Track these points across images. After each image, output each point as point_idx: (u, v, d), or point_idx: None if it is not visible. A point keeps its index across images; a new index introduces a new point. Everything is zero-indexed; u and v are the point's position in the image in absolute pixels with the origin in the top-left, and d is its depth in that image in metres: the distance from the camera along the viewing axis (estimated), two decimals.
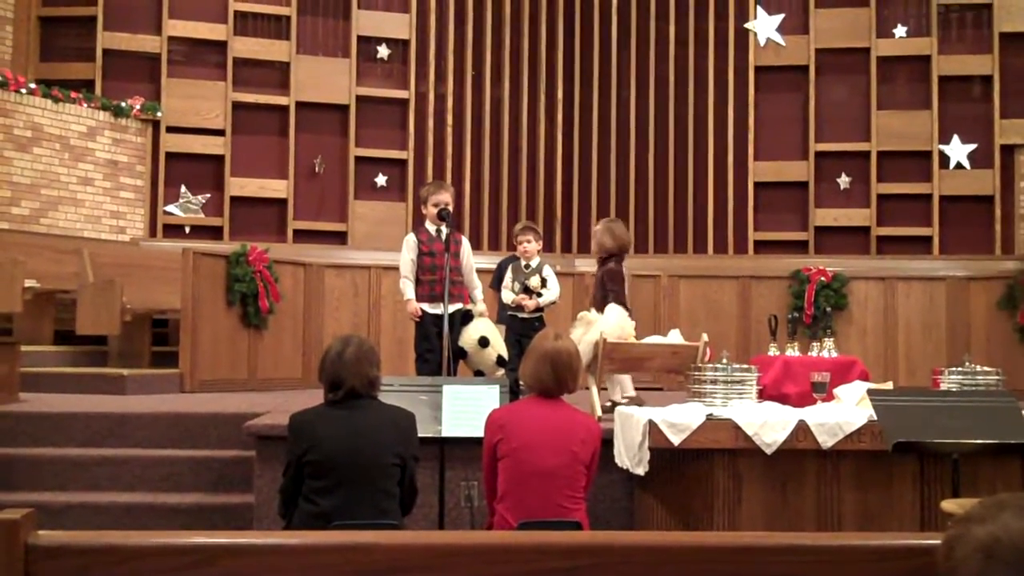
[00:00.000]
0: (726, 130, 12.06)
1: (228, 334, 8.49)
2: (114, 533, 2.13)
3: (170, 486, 5.86)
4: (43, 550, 2.02)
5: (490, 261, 8.86)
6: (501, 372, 6.33)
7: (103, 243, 10.27)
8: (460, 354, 6.38)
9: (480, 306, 6.64)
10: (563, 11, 12.31)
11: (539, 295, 6.84)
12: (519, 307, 6.83)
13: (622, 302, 6.50)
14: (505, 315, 6.99)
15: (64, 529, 2.13)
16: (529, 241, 6.99)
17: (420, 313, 6.49)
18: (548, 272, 6.96)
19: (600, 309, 6.29)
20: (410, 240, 6.64)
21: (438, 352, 6.18)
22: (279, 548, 2.12)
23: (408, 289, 6.54)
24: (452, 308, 6.21)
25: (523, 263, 7.00)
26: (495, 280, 7.69)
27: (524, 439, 3.83)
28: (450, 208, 6.54)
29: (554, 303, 6.99)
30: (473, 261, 6.82)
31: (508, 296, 6.93)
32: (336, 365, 3.86)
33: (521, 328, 6.74)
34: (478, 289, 6.75)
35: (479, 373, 6.42)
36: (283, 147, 11.63)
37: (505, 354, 6.43)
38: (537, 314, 6.87)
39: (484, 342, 6.36)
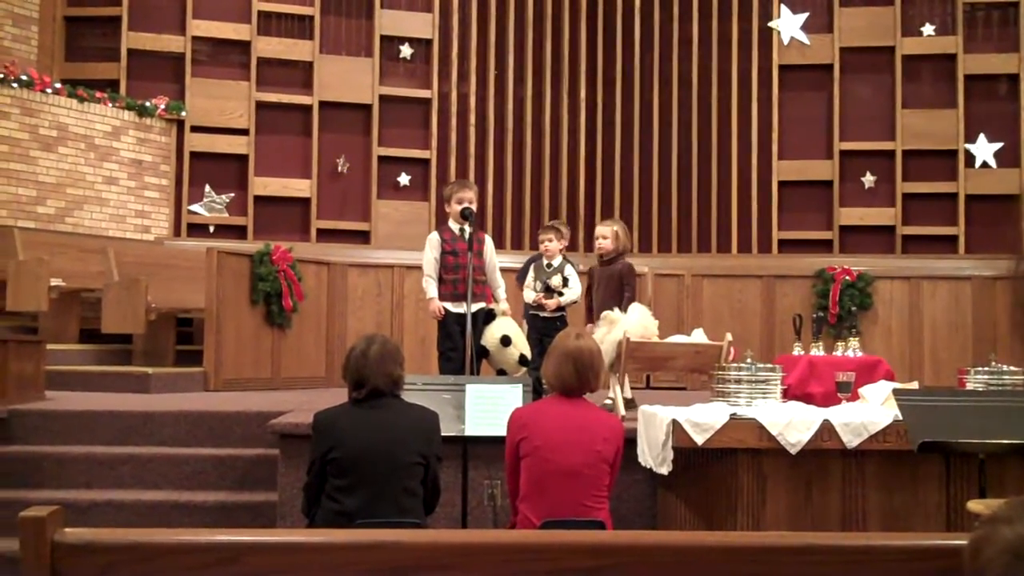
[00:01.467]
0: (750, 129, 12.01)
1: (252, 333, 8.53)
2: (139, 531, 2.14)
3: (195, 484, 5.89)
4: (69, 547, 2.04)
5: (512, 260, 8.86)
6: (524, 371, 6.32)
7: (128, 242, 10.33)
8: (483, 353, 6.38)
9: (503, 305, 6.63)
10: (586, 11, 12.29)
11: (560, 294, 6.83)
12: (540, 306, 6.82)
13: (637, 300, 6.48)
14: (527, 314, 6.99)
15: (90, 527, 2.15)
16: (551, 240, 6.98)
17: (442, 312, 6.49)
18: (570, 271, 6.94)
19: (613, 308, 6.29)
20: (433, 239, 6.64)
21: (461, 351, 6.18)
22: (302, 546, 2.13)
23: (431, 288, 6.54)
24: (475, 307, 6.21)
25: (545, 262, 6.99)
26: (520, 275, 7.67)
27: (547, 438, 3.82)
28: (473, 207, 6.53)
29: (575, 302, 6.97)
30: (496, 260, 6.81)
31: (529, 295, 6.93)
32: (360, 364, 3.87)
33: (543, 327, 6.73)
34: (501, 288, 6.73)
35: (502, 372, 6.41)
36: (306, 146, 11.66)
37: (528, 353, 6.41)
38: (559, 313, 6.86)
39: (506, 341, 6.35)
